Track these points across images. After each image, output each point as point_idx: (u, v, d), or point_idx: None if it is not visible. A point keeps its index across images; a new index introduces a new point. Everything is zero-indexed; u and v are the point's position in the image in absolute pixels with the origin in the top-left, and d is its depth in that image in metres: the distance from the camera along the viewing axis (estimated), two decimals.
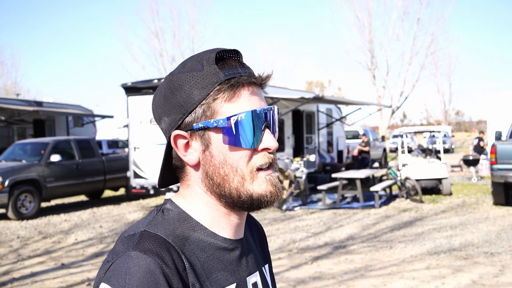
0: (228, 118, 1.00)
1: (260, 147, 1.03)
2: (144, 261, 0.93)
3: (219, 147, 1.02)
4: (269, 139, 1.03)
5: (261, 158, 1.03)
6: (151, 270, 0.92)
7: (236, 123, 1.00)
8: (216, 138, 1.02)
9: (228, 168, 1.02)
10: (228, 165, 1.02)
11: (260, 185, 1.03)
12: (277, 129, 1.08)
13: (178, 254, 0.98)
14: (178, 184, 1.13)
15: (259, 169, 1.03)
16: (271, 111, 1.05)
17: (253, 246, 1.19)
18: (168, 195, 9.00)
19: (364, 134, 20.32)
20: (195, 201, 1.07)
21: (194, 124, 1.02)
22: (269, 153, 1.04)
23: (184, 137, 1.04)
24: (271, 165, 1.05)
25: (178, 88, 1.02)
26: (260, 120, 1.02)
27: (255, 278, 1.13)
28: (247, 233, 1.20)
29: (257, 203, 1.04)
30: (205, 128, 1.02)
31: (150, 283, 0.91)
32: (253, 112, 1.01)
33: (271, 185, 1.04)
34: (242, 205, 1.04)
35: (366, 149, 19.51)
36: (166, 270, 0.93)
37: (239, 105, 1.01)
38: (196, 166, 1.05)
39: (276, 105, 13.99)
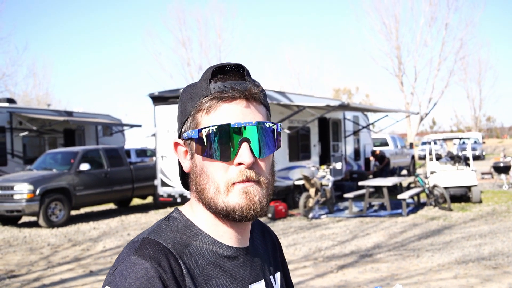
0: (200, 130, 1.04)
1: (235, 161, 1.04)
2: (142, 265, 0.98)
3: (199, 158, 1.07)
4: (243, 154, 1.03)
5: (237, 174, 1.04)
6: (148, 274, 0.97)
7: (208, 135, 1.03)
8: (196, 148, 1.07)
9: (205, 178, 1.06)
10: (205, 175, 1.06)
11: (234, 197, 1.04)
12: (269, 145, 1.07)
13: (176, 260, 1.02)
14: None
15: (235, 183, 1.04)
16: (257, 126, 1.04)
17: (261, 254, 1.21)
18: None
19: (374, 151, 20.15)
20: (198, 208, 1.12)
21: (184, 134, 1.10)
22: (249, 168, 1.04)
23: (182, 145, 1.12)
24: (254, 180, 1.05)
25: (181, 100, 1.12)
26: (236, 134, 1.03)
27: (258, 286, 1.15)
28: (258, 241, 1.23)
29: (232, 215, 1.05)
30: (190, 138, 1.08)
31: (147, 286, 0.96)
32: (226, 126, 1.03)
33: (245, 198, 1.03)
34: (219, 215, 1.07)
35: (386, 160, 19.42)
36: (163, 274, 0.98)
37: (214, 118, 1.05)
38: (190, 173, 1.12)
39: (302, 112, 14.03)
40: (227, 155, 1.03)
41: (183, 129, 1.10)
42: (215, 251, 1.09)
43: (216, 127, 1.02)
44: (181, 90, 1.14)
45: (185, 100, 1.10)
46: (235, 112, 1.05)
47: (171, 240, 1.06)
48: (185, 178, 1.19)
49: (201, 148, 1.05)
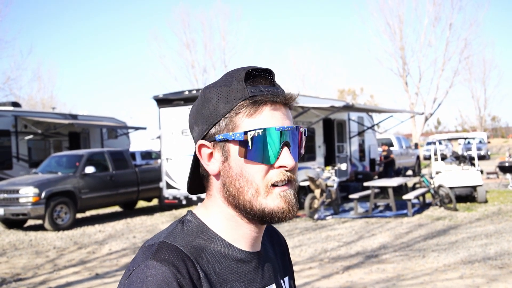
0: (245, 133, 1.04)
1: (277, 164, 1.06)
2: (160, 270, 0.98)
3: (236, 160, 1.07)
4: (286, 157, 1.06)
5: (277, 175, 1.06)
6: (166, 279, 0.96)
7: (253, 138, 1.04)
8: (234, 151, 1.07)
9: (244, 181, 1.06)
10: (244, 177, 1.06)
11: (273, 200, 1.06)
12: (300, 148, 1.11)
13: (193, 264, 1.02)
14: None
15: (275, 185, 1.06)
16: (292, 131, 1.08)
17: (271, 258, 1.22)
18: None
19: (383, 144, 20.13)
20: (215, 211, 1.11)
21: (216, 136, 1.07)
22: (287, 171, 1.07)
23: (208, 147, 1.10)
24: (289, 182, 1.08)
25: (208, 101, 1.09)
26: (279, 138, 1.06)
27: None
28: (267, 245, 1.23)
29: (269, 217, 1.07)
30: (226, 140, 1.07)
31: None
32: (271, 129, 1.05)
33: (284, 201, 1.07)
34: (254, 217, 1.08)
35: (391, 156, 19.35)
36: (181, 279, 0.98)
37: (259, 121, 1.06)
38: (217, 176, 1.10)
39: (307, 114, 14.03)
40: (270, 158, 1.05)
41: (212, 131, 1.08)
42: (229, 254, 1.09)
43: (262, 130, 1.04)
44: (202, 90, 1.13)
45: (216, 102, 1.07)
46: (276, 117, 1.07)
47: (187, 244, 1.06)
48: (195, 181, 1.18)
49: (244, 150, 1.05)
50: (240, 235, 1.11)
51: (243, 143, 1.05)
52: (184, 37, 44.65)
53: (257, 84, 1.08)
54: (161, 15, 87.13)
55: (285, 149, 1.06)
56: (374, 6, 48.69)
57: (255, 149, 1.04)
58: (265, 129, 1.04)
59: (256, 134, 1.04)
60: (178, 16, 47.69)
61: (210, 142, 1.09)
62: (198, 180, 1.18)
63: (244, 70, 1.08)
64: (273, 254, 1.25)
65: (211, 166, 1.10)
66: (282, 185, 1.07)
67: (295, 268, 7.52)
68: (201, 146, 1.10)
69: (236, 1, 75.81)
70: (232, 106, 1.06)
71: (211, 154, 1.10)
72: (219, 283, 1.05)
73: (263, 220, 1.08)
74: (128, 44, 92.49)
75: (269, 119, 1.06)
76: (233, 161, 1.07)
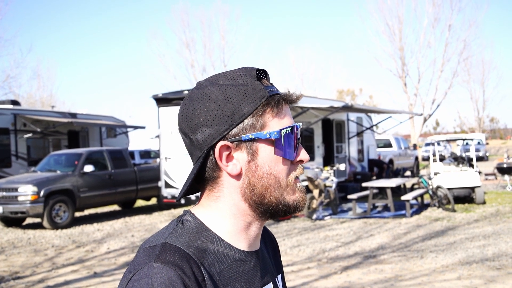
0: (280, 131, 1.07)
1: (298, 158, 1.11)
2: (166, 272, 0.96)
3: (265, 158, 1.07)
4: (304, 152, 1.13)
5: (297, 170, 1.12)
6: (172, 281, 0.95)
7: (285, 136, 1.08)
8: (264, 150, 1.07)
9: (272, 179, 1.08)
10: (272, 175, 1.07)
11: (295, 193, 1.11)
12: None
13: (198, 266, 1.01)
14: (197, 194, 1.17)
15: (296, 179, 1.12)
16: (300, 128, 1.15)
17: (266, 257, 1.22)
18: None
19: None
20: (220, 212, 1.10)
21: (243, 135, 1.05)
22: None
23: (228, 148, 1.07)
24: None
25: (224, 100, 1.05)
26: (296, 135, 1.11)
27: None
28: (261, 244, 1.23)
29: (293, 209, 1.12)
30: (254, 140, 1.06)
31: None
32: (295, 127, 1.10)
33: (301, 192, 1.13)
34: (276, 212, 1.11)
35: (384, 167, 19.55)
36: (187, 281, 0.96)
37: (284, 120, 1.09)
38: (237, 176, 1.08)
39: (306, 114, 14.04)
40: (295, 154, 1.11)
41: (234, 131, 1.05)
42: (230, 255, 1.08)
43: (290, 128, 1.09)
44: (200, 90, 1.08)
45: (237, 101, 1.05)
46: (290, 114, 1.13)
47: (190, 245, 1.04)
48: (192, 186, 1.13)
49: (280, 148, 1.07)
50: (244, 235, 1.11)
51: (278, 141, 1.07)
52: (183, 36, 44.70)
53: (265, 84, 1.09)
54: (161, 14, 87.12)
55: (300, 144, 1.12)
56: (374, 6, 48.80)
57: (286, 146, 1.07)
58: (291, 127, 1.09)
59: (287, 132, 1.08)
60: (178, 15, 47.65)
61: (232, 142, 1.06)
62: (191, 184, 1.13)
63: (252, 70, 1.08)
64: (267, 253, 1.25)
65: (231, 167, 1.07)
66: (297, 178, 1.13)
67: (293, 268, 7.54)
68: (223, 147, 1.05)
69: (235, 0, 75.90)
70: (256, 105, 1.05)
71: (229, 155, 1.07)
72: (222, 284, 1.04)
73: (286, 213, 1.12)
74: (128, 43, 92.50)
75: (288, 117, 1.10)
76: (260, 159, 1.07)
